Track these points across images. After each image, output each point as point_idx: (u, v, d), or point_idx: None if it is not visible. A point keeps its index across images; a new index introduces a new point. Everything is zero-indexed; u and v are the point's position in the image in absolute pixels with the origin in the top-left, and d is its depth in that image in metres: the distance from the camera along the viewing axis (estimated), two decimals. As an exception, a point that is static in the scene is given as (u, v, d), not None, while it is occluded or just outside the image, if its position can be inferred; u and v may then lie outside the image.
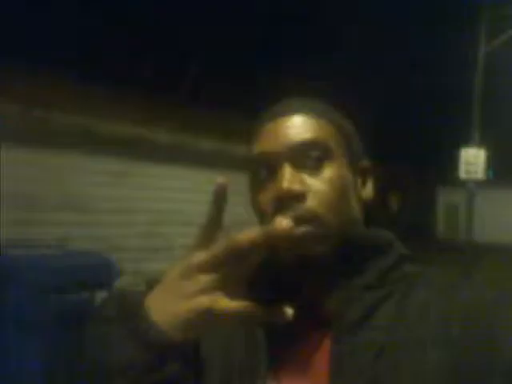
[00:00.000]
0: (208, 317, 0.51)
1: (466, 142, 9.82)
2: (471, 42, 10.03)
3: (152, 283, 0.57)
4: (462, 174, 9.52)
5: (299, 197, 0.64)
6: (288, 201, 0.63)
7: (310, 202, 0.64)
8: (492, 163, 10.39)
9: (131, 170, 6.72)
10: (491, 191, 16.75)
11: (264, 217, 0.67)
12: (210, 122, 7.77)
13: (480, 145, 9.66)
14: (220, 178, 0.53)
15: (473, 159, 9.37)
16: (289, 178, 0.64)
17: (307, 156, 0.67)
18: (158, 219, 7.04)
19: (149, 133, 7.03)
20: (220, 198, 0.54)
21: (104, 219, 6.31)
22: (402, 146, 17.53)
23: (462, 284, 0.66)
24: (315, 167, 0.66)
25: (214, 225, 0.54)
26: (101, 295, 3.16)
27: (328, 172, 0.67)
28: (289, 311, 0.51)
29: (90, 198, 6.18)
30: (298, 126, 0.68)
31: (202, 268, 0.51)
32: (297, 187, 0.64)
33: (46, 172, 5.76)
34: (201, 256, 0.52)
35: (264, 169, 0.68)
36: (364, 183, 0.74)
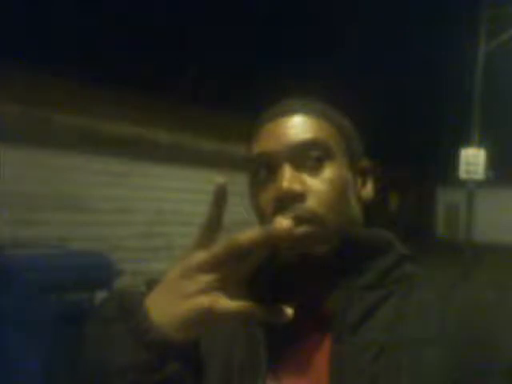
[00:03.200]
0: (208, 317, 0.51)
1: (466, 142, 9.82)
2: (471, 42, 10.03)
3: (152, 283, 0.57)
4: (462, 174, 9.52)
5: (299, 197, 0.64)
6: (288, 201, 0.63)
7: (310, 202, 0.64)
8: (492, 163, 10.38)
9: (131, 170, 6.72)
10: (491, 191, 16.75)
11: (264, 217, 0.67)
12: (209, 122, 7.77)
13: (480, 145, 9.65)
14: (220, 179, 0.53)
15: (473, 159, 9.37)
16: (289, 178, 0.64)
17: (307, 156, 0.67)
18: (157, 219, 7.04)
19: (149, 133, 7.03)
20: (220, 199, 0.54)
21: (104, 219, 6.31)
22: (402, 146, 17.55)
23: (462, 284, 0.66)
24: (315, 167, 0.66)
25: (214, 225, 0.54)
26: (101, 295, 3.16)
27: (328, 172, 0.66)
28: (289, 311, 0.51)
29: (90, 198, 6.18)
30: (297, 126, 0.68)
31: (202, 268, 0.51)
32: (297, 187, 0.64)
33: (46, 172, 5.76)
34: (201, 256, 0.52)
35: (264, 169, 0.68)
36: (364, 183, 0.74)
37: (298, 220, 0.61)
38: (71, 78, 6.03)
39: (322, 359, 0.62)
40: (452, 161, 10.11)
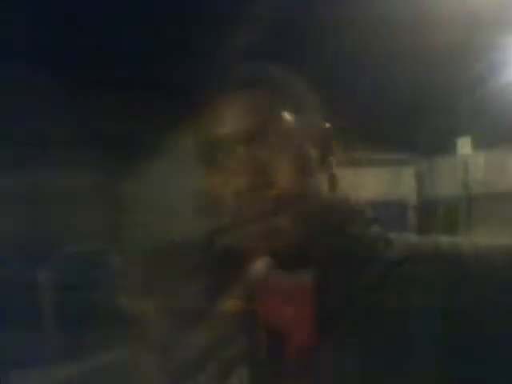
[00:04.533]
0: None
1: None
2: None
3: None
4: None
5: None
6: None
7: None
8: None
9: (131, 169, 6.71)
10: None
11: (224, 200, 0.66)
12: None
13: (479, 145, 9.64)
14: None
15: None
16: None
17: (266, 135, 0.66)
18: (158, 219, 7.03)
19: (149, 133, 7.03)
20: None
21: (104, 219, 6.30)
22: (402, 145, 17.50)
23: (463, 283, 0.66)
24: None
25: None
26: (100, 295, 3.16)
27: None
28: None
29: (91, 197, 6.17)
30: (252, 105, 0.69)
31: None
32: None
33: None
34: None
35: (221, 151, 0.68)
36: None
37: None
38: (71, 78, 6.02)
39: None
40: (452, 160, 10.09)
